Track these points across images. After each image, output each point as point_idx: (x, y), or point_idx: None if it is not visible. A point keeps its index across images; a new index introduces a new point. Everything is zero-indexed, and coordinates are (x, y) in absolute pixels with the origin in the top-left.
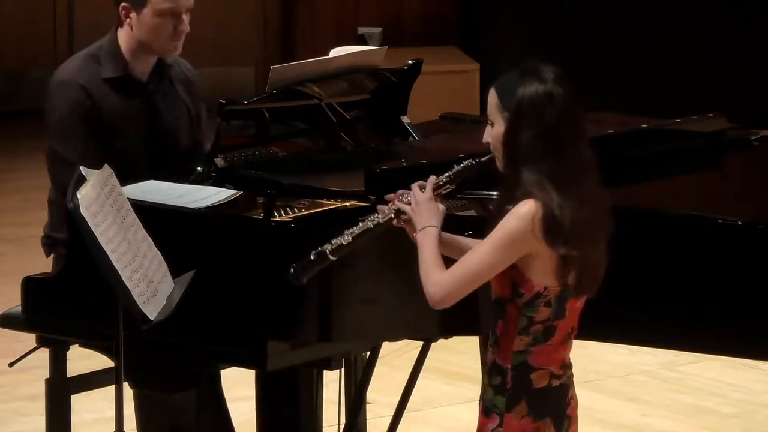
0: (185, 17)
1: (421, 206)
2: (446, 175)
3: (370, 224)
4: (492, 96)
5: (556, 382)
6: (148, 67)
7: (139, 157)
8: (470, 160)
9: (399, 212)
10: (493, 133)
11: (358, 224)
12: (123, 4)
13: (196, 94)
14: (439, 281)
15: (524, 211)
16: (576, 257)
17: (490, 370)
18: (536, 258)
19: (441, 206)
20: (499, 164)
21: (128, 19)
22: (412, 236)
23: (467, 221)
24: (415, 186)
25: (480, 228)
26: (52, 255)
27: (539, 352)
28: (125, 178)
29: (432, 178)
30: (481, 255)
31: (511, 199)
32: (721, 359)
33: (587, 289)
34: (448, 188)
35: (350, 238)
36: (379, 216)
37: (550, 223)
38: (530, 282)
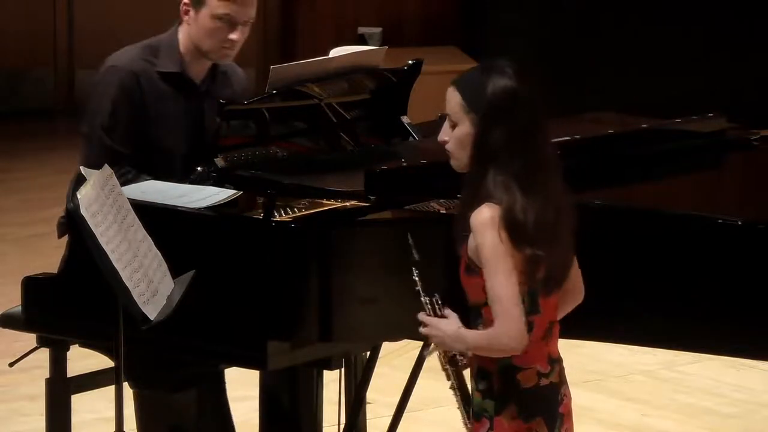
0: (242, 28)
1: (436, 330)
2: (419, 290)
3: (455, 391)
4: (454, 96)
5: (545, 381)
6: (203, 69)
7: (178, 154)
8: (416, 269)
9: (452, 361)
10: (457, 134)
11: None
12: (184, 0)
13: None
14: (500, 335)
15: (485, 219)
16: (542, 256)
17: (476, 375)
18: None
19: (448, 312)
20: (458, 165)
21: (187, 17)
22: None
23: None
24: (419, 317)
25: None
26: (65, 237)
27: (522, 351)
28: (160, 173)
29: (421, 315)
30: (497, 285)
31: (475, 199)
32: (721, 359)
33: (555, 286)
34: (432, 296)
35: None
36: (453, 381)
37: (513, 225)
38: None
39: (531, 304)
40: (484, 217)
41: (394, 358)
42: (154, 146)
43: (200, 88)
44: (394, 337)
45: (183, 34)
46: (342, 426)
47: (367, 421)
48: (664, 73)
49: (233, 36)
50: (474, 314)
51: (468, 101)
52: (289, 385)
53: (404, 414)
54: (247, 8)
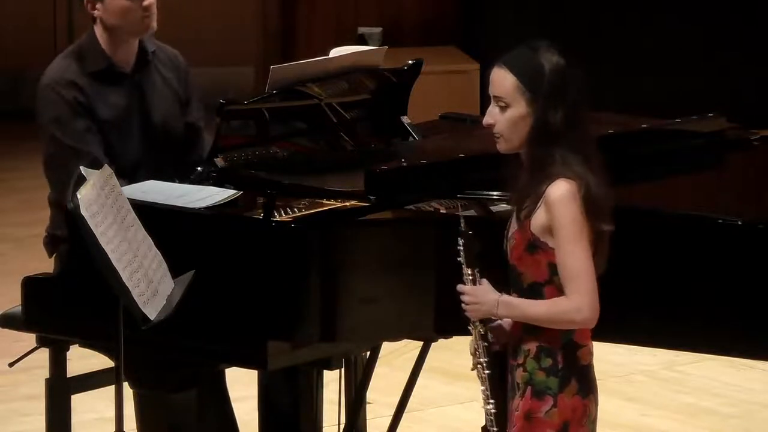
0: None
1: (475, 297)
2: (461, 261)
3: (483, 367)
4: (506, 76)
5: (592, 360)
6: (130, 56)
7: (134, 149)
8: (462, 240)
9: (484, 337)
10: (510, 116)
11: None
12: (86, 1)
13: (185, 79)
14: (576, 309)
15: (565, 193)
16: (609, 232)
17: (536, 355)
18: None
19: (484, 281)
20: (508, 147)
21: (96, 11)
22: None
23: (467, 221)
24: (459, 288)
25: (480, 228)
26: (54, 255)
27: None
28: (122, 170)
29: (460, 286)
30: (576, 259)
31: (541, 179)
32: (721, 359)
33: (604, 261)
34: (474, 268)
35: (489, 402)
36: (479, 352)
37: (590, 200)
38: None
39: None
40: (564, 192)
41: (394, 358)
42: (109, 145)
43: (133, 77)
44: (394, 337)
45: (99, 31)
46: (342, 426)
47: (367, 421)
48: (664, 73)
49: (146, 2)
50: (528, 294)
51: (525, 82)
52: (289, 385)
53: (404, 414)
54: None
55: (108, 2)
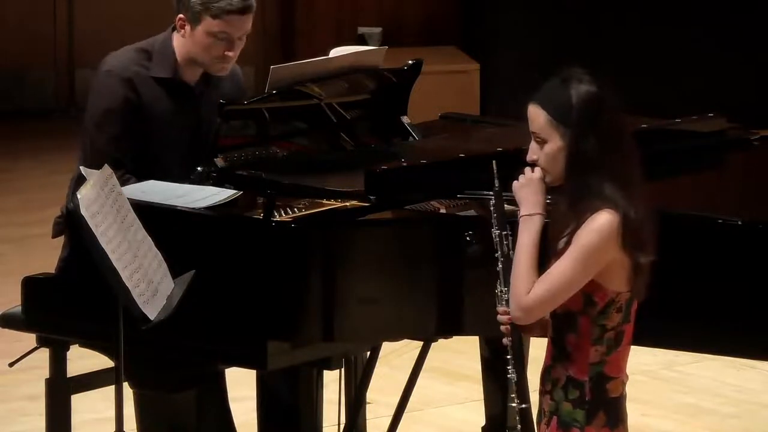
0: (238, 42)
1: (526, 188)
2: (493, 221)
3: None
4: (538, 113)
5: (624, 390)
6: (197, 73)
7: (175, 159)
8: (494, 185)
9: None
10: (548, 150)
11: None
12: (180, 15)
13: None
14: (519, 299)
15: (603, 223)
16: (650, 262)
17: (564, 385)
18: (615, 266)
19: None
20: (552, 180)
21: (183, 30)
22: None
23: (468, 221)
24: (527, 169)
25: (480, 228)
26: (60, 238)
27: (612, 361)
28: (160, 165)
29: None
30: (562, 273)
31: (581, 211)
32: (721, 359)
33: (645, 289)
34: (503, 232)
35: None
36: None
37: (629, 230)
38: (605, 290)
39: (627, 312)
40: (599, 222)
41: (394, 358)
42: (150, 150)
43: (195, 90)
44: (394, 338)
45: (178, 42)
46: (342, 426)
47: (367, 421)
48: (664, 73)
49: (229, 53)
50: (565, 323)
51: (555, 116)
52: (289, 385)
53: (404, 414)
54: (243, 24)
55: (198, 32)
